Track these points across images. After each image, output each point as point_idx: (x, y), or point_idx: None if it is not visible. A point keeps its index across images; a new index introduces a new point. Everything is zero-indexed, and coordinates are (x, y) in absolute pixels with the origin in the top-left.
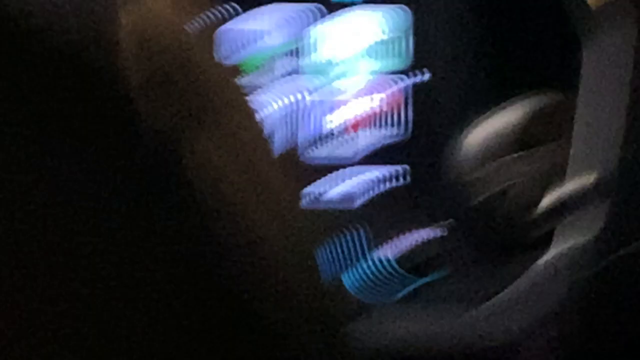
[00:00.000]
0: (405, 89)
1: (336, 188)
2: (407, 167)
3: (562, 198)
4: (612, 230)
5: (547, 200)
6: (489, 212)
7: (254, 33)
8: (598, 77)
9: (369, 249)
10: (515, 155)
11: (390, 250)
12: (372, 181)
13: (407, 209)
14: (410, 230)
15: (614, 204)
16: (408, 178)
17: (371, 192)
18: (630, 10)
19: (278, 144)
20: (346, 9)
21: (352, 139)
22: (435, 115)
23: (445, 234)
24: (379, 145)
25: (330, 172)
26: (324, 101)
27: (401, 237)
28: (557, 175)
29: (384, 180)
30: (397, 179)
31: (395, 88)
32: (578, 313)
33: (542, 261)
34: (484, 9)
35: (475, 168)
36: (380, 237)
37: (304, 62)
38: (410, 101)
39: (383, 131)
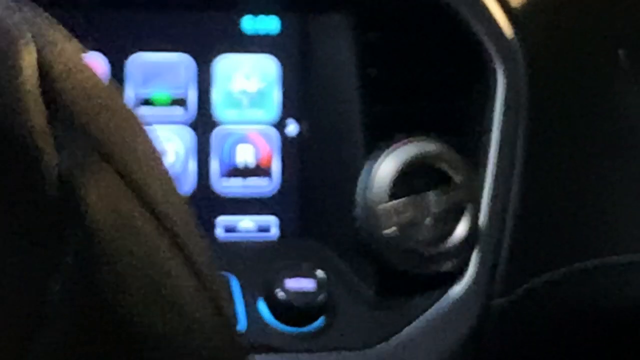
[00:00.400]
0: (274, 141)
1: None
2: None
3: (473, 230)
4: (523, 258)
5: (459, 232)
6: (399, 243)
7: (165, 64)
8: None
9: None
10: (429, 188)
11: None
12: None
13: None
14: (282, 280)
15: (522, 234)
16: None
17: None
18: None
19: (191, 175)
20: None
21: (267, 171)
22: (309, 167)
23: (320, 284)
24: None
25: (245, 203)
26: (236, 133)
27: (275, 287)
28: (471, 207)
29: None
30: (267, 230)
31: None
32: (493, 340)
33: (455, 289)
34: (357, 56)
35: (387, 199)
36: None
37: (214, 93)
38: (279, 154)
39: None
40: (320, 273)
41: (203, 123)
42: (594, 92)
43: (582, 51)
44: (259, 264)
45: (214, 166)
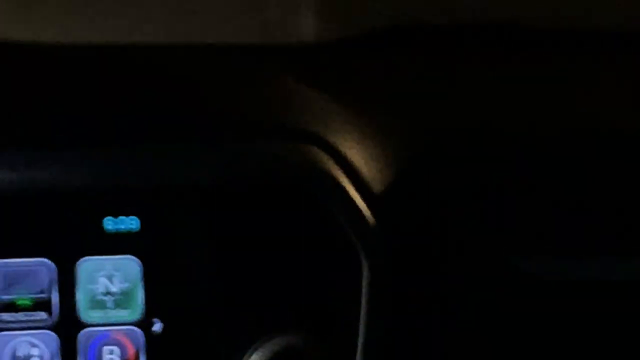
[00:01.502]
0: (139, 340)
1: None
2: None
3: None
4: None
5: None
6: None
7: (24, 265)
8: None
9: None
10: None
11: None
12: None
13: None
14: None
15: None
16: None
17: None
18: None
19: None
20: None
21: None
22: None
23: None
24: None
25: None
26: (101, 334)
27: None
28: None
29: None
30: None
31: (129, 340)
32: None
33: None
34: (219, 252)
35: None
36: None
37: (78, 295)
38: (145, 353)
39: None
40: None
41: (67, 326)
42: (459, 277)
43: (445, 235)
44: None
45: None
